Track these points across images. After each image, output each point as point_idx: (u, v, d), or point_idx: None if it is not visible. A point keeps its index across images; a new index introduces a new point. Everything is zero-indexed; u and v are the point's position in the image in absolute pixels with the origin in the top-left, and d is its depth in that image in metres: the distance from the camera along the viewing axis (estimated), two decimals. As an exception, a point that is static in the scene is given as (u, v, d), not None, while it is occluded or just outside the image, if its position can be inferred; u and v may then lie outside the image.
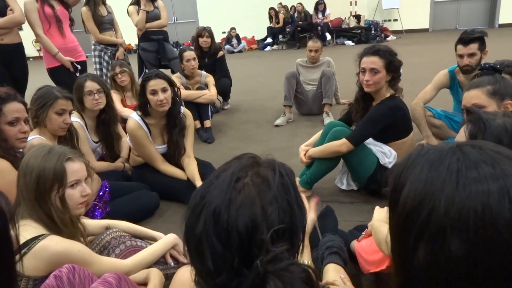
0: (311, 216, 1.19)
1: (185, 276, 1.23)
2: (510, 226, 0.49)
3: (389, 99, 2.13)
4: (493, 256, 0.50)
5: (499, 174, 0.51)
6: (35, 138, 1.94)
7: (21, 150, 1.74)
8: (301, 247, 0.66)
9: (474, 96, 1.57)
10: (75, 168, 1.32)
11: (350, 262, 1.50)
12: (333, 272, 1.27)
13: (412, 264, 0.55)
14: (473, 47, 2.51)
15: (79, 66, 3.39)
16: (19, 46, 3.20)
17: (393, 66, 2.09)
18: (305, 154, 2.32)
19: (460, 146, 0.57)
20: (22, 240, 1.16)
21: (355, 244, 1.54)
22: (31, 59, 10.16)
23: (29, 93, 2.25)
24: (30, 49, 10.89)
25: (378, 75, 2.07)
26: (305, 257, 1.12)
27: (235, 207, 0.58)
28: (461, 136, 1.05)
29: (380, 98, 2.16)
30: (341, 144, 2.13)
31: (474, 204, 0.50)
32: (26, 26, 3.26)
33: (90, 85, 2.39)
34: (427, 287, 0.55)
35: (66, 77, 3.28)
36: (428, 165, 0.56)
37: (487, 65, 2.03)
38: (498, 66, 2.03)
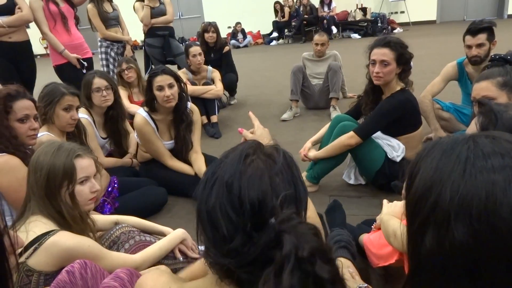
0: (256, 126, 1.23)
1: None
2: None
3: (399, 92, 2.10)
4: (497, 243, 0.50)
5: (507, 164, 0.51)
6: (44, 135, 1.96)
7: (31, 146, 1.76)
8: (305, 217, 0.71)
9: (484, 88, 1.55)
10: (84, 165, 1.33)
11: (359, 256, 1.50)
12: (342, 266, 1.27)
13: (421, 250, 0.56)
14: (482, 37, 2.47)
15: (85, 63, 3.40)
16: (27, 44, 3.23)
17: (403, 59, 2.06)
18: (307, 154, 2.29)
19: (474, 136, 0.57)
20: (33, 235, 1.17)
21: (363, 238, 1.53)
22: (38, 56, 10.21)
23: (37, 90, 2.27)
24: (37, 47, 10.96)
25: (388, 67, 2.04)
26: None
27: (246, 177, 0.64)
28: (472, 128, 1.03)
29: (390, 91, 2.13)
30: (350, 137, 2.12)
31: (478, 192, 0.51)
32: (32, 24, 3.28)
33: (98, 82, 2.40)
34: (435, 273, 0.55)
35: (72, 74, 3.30)
36: (440, 153, 0.57)
37: (497, 56, 2.00)
38: (508, 57, 1.99)
